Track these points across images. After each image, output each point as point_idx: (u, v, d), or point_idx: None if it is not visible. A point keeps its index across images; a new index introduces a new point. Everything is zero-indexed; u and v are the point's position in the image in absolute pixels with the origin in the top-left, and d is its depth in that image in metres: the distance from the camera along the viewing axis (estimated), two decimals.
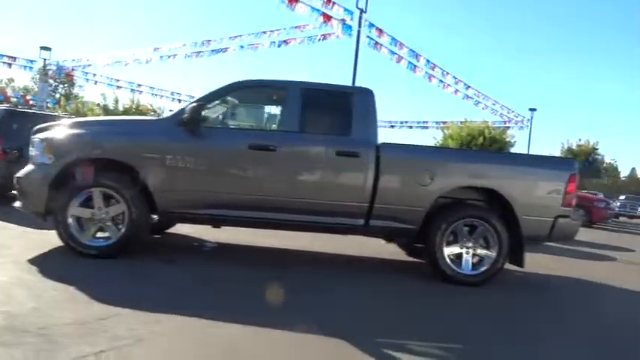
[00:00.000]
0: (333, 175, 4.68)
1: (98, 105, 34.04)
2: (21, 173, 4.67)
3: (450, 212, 4.73)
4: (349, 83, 14.25)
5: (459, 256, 4.76)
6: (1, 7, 59.33)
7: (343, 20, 13.97)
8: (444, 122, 33.97)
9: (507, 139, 27.76)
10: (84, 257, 4.38)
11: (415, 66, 17.36)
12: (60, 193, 4.46)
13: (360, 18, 14.03)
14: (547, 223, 4.78)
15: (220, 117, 5.02)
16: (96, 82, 30.12)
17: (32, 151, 4.72)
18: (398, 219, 4.69)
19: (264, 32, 16.33)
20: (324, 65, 63.71)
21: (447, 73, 19.84)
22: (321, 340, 2.87)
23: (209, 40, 17.53)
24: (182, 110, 4.61)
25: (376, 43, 15.23)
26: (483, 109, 24.27)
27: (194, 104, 4.50)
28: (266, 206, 4.60)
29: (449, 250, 4.71)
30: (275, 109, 5.05)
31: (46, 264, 4.14)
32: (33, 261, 4.17)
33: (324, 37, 15.36)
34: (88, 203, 4.51)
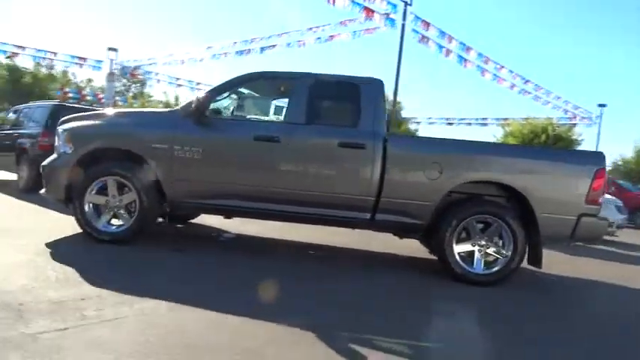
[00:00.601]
0: (338, 167, 4.59)
1: (161, 102, 35.75)
2: (45, 162, 4.96)
3: (460, 208, 4.51)
4: (393, 78, 14.04)
5: (471, 254, 4.53)
6: (72, 10, 63.73)
7: (387, 14, 13.73)
8: (505, 119, 32.68)
9: (574, 137, 26.31)
10: (99, 243, 4.59)
11: (466, 60, 16.74)
12: (78, 180, 4.70)
13: (405, 11, 13.72)
14: (569, 222, 4.44)
15: (229, 108, 5.07)
16: (158, 80, 31.59)
17: (56, 141, 5.00)
18: (405, 213, 4.53)
19: (310, 29, 16.42)
20: (371, 60, 62.71)
21: (502, 67, 18.97)
22: (299, 338, 2.81)
23: (260, 38, 17.90)
24: (191, 102, 4.70)
25: (423, 36, 14.84)
26: (544, 104, 22.95)
27: (201, 96, 4.57)
28: (270, 198, 4.60)
29: (459, 248, 4.50)
30: (284, 101, 5.02)
31: (60, 248, 4.38)
32: (50, 244, 4.42)
33: (367, 31, 15.16)
34: (104, 191, 4.72)
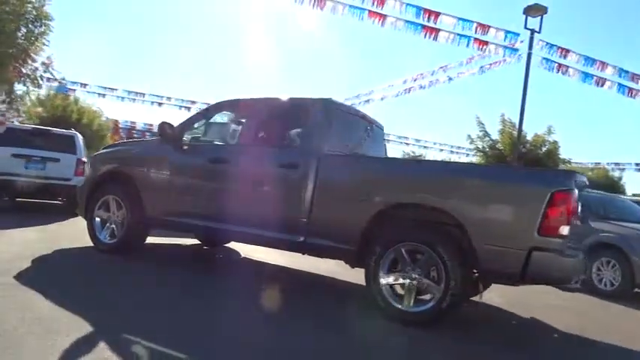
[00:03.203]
0: (276, 188, 4.54)
1: None
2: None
3: (387, 234, 3.99)
4: (516, 111, 12.70)
5: (402, 287, 3.94)
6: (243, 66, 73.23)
7: (511, 45, 12.62)
8: None
9: None
10: (100, 252, 5.36)
11: (630, 89, 14.01)
12: (92, 198, 5.64)
13: (531, 40, 12.44)
14: (517, 257, 3.52)
15: (198, 134, 5.46)
16: None
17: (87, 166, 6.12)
18: (333, 237, 4.21)
19: (442, 67, 15.98)
20: (504, 94, 55.15)
21: None
22: None
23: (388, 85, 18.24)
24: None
25: (560, 65, 13.07)
26: None
27: (164, 124, 5.10)
28: (221, 217, 4.78)
29: (386, 279, 3.95)
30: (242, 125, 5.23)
31: (58, 252, 5.27)
32: (57, 250, 5.35)
33: (494, 64, 13.98)
34: (109, 208, 5.54)
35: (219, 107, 5.38)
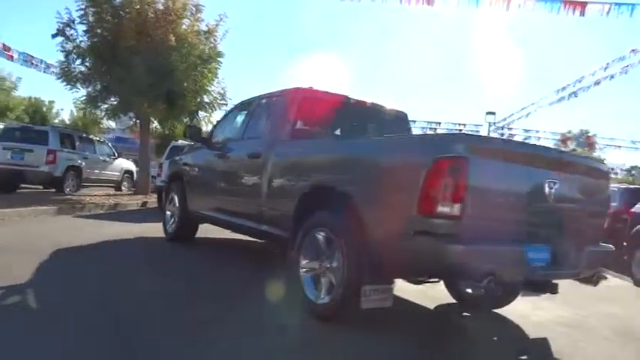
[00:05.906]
0: (247, 178, 4.72)
1: None
2: None
3: (307, 219, 3.72)
4: None
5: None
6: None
7: None
8: None
9: None
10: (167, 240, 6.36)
11: None
12: (166, 196, 6.70)
13: None
14: (403, 244, 2.89)
15: (219, 135, 5.83)
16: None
17: None
18: (277, 224, 4.15)
19: (605, 67, 12.66)
20: None
21: None
22: None
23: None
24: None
25: None
26: None
27: (189, 127, 5.76)
28: (218, 208, 5.21)
29: (304, 267, 3.67)
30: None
31: (134, 239, 6.44)
32: (139, 237, 6.56)
33: None
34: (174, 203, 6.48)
35: (236, 108, 5.82)
